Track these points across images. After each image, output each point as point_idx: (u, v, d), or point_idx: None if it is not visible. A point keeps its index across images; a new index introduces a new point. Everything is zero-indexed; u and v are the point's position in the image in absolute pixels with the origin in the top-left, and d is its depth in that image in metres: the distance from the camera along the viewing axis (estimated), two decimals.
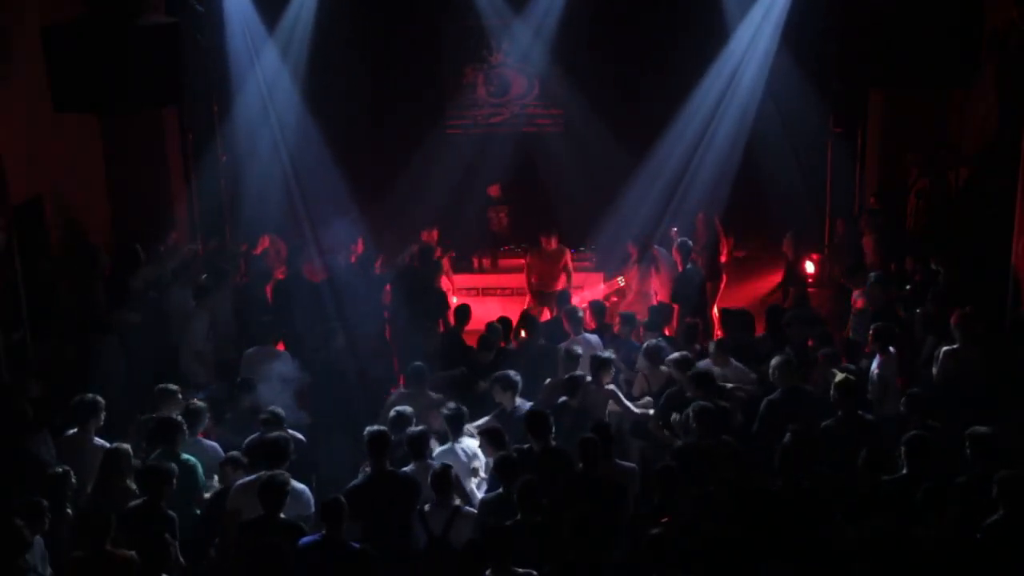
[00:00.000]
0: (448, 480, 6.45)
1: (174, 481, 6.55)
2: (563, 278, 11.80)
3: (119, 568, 5.91)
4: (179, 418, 7.22)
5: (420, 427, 7.19)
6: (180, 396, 7.79)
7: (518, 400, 7.87)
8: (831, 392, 7.44)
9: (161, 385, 7.85)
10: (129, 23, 8.48)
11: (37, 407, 7.55)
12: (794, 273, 11.69)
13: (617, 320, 9.90)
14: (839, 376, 7.49)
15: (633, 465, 7.16)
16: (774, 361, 7.84)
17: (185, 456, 7.06)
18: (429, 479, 6.50)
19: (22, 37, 9.27)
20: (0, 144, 8.99)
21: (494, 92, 15.04)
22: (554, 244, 11.81)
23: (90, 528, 6.00)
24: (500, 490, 6.57)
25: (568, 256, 11.96)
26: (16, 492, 6.42)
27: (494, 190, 13.74)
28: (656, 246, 11.60)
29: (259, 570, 5.80)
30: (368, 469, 6.80)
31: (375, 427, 6.85)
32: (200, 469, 7.09)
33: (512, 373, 7.93)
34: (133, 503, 6.47)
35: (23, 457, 7.13)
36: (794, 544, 6.01)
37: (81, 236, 10.83)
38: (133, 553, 5.94)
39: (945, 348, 8.26)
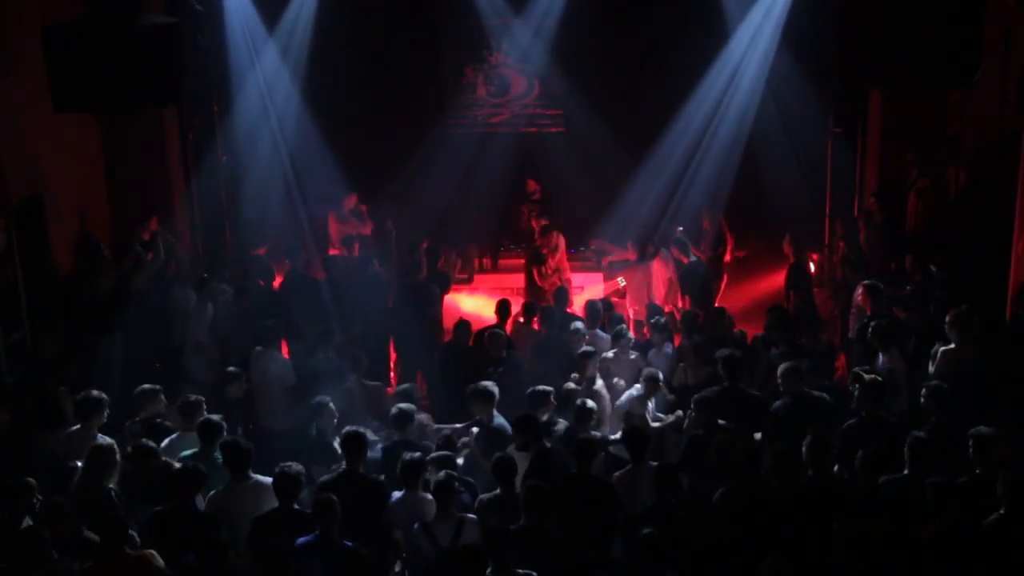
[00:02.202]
0: (451, 490, 6.36)
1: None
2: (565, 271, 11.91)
3: (139, 570, 5.88)
4: (220, 420, 7.21)
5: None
6: (162, 397, 7.80)
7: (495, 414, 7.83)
8: (855, 392, 7.44)
9: (142, 386, 7.84)
10: (129, 23, 8.49)
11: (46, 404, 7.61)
12: (796, 274, 11.56)
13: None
14: (867, 377, 7.49)
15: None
16: (781, 368, 7.82)
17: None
18: (431, 490, 6.43)
19: (22, 37, 9.27)
20: (0, 144, 9.00)
21: (494, 92, 15.05)
22: (550, 245, 11.84)
23: (107, 532, 5.94)
24: (497, 491, 6.58)
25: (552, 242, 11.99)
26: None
27: (532, 185, 13.77)
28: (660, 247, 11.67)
29: (262, 570, 5.81)
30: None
31: (351, 428, 6.92)
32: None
33: (490, 384, 7.89)
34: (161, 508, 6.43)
35: (42, 455, 7.22)
36: (794, 544, 6.01)
37: (87, 236, 10.83)
38: (152, 552, 5.94)
39: (942, 348, 8.27)
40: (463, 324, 9.73)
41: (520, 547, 5.85)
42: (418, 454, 6.80)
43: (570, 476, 6.80)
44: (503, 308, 9.79)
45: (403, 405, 7.53)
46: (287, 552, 5.82)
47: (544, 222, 12.20)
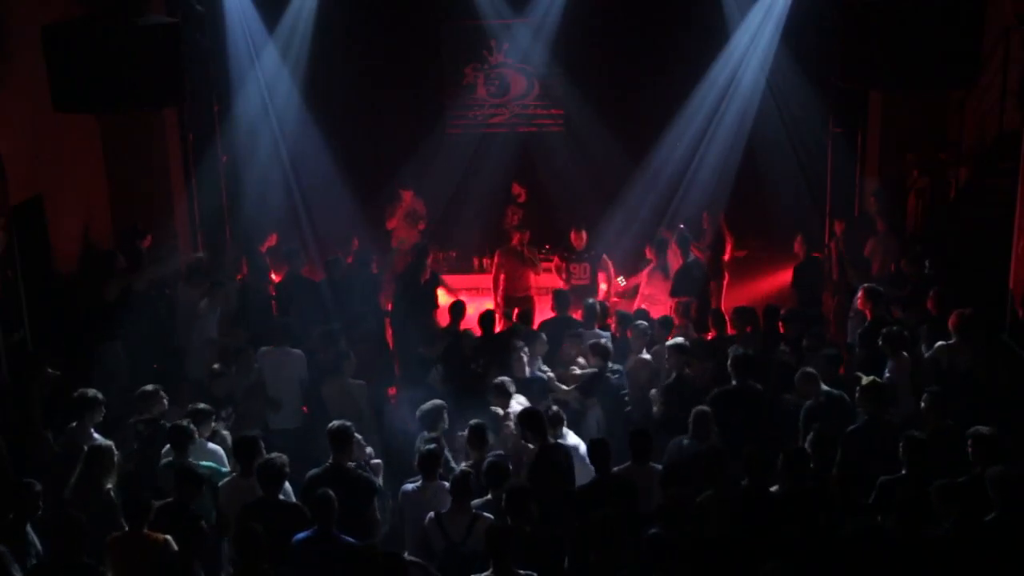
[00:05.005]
0: (467, 486, 6.34)
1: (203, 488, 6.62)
2: (531, 276, 11.77)
3: (155, 549, 6.03)
4: (190, 425, 7.18)
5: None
6: (164, 398, 7.78)
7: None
8: (856, 396, 7.44)
9: (143, 387, 7.82)
10: (129, 23, 8.49)
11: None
12: (805, 274, 11.49)
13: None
14: (865, 380, 7.48)
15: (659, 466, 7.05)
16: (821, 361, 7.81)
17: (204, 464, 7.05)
18: (450, 485, 6.43)
19: (22, 37, 9.27)
20: (0, 144, 8.99)
21: (494, 92, 15.02)
22: (524, 241, 11.81)
23: (131, 511, 6.12)
24: (489, 496, 6.54)
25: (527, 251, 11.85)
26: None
27: (515, 188, 13.75)
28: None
29: (246, 562, 5.80)
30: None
31: (337, 422, 6.90)
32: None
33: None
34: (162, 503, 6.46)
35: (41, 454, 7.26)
36: (794, 544, 6.01)
37: (96, 246, 10.84)
38: (168, 537, 6.06)
39: (938, 344, 8.28)
40: (458, 307, 9.81)
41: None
42: (434, 446, 6.83)
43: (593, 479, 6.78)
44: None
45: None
46: (266, 540, 5.78)
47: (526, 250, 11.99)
